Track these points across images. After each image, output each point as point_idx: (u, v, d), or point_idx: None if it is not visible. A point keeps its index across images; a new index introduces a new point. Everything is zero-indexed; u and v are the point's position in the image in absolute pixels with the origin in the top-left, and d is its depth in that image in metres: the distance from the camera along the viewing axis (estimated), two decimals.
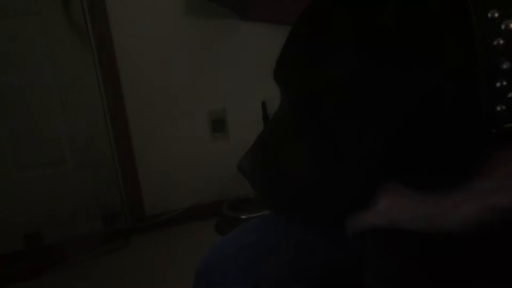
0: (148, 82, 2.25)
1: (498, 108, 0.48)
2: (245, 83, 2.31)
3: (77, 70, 2.16)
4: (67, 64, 2.14)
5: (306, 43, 0.54)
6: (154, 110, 2.28)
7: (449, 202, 0.49)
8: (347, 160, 0.52)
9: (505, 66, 0.47)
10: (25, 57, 2.09)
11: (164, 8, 2.19)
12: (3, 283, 2.00)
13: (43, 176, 2.20)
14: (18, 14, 2.04)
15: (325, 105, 0.51)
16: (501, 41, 0.47)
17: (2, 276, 2.01)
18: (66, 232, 2.22)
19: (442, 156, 0.50)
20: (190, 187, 2.39)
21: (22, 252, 2.17)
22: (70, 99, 2.17)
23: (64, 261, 2.10)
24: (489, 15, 0.47)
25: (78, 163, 2.24)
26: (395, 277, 0.55)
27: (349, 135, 0.51)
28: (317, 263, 0.64)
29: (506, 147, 0.48)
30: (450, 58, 0.47)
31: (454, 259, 0.52)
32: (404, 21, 0.47)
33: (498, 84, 0.48)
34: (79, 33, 2.12)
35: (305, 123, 0.54)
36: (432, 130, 0.49)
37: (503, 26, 0.47)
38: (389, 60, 0.48)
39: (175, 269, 1.98)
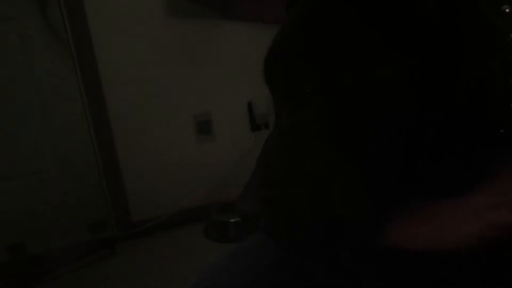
0: (131, 86, 2.21)
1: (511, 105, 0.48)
2: (230, 84, 2.29)
3: (57, 75, 2.11)
4: (47, 70, 2.10)
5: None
6: (137, 114, 2.25)
7: (450, 220, 0.48)
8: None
9: None
10: (2, 63, 2.04)
11: (145, 10, 2.16)
12: None
13: (26, 185, 2.16)
14: None
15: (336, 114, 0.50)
16: None
17: None
18: (51, 242, 2.19)
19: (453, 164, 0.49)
20: (177, 192, 2.36)
21: (6, 264, 2.13)
22: (50, 105, 2.13)
23: (50, 272, 2.06)
24: (502, 10, 0.48)
25: (61, 171, 2.20)
26: None
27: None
28: (313, 285, 0.63)
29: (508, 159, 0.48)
30: (469, 53, 0.47)
31: (453, 276, 0.51)
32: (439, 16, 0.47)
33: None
34: (58, 37, 2.08)
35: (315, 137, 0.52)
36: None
37: None
38: (396, 57, 0.48)
39: (164, 276, 1.97)
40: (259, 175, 0.55)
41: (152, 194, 2.34)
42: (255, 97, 2.26)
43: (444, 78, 0.47)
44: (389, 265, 0.54)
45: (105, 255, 2.18)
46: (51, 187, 2.19)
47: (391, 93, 0.48)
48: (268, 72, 0.56)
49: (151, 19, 2.17)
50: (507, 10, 0.47)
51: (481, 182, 0.47)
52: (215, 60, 2.29)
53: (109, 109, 2.20)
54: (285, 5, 0.61)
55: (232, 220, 2.13)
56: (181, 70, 2.26)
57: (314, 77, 0.51)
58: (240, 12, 2.16)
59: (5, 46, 2.04)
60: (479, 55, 0.47)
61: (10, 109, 2.08)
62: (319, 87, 0.50)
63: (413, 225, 0.50)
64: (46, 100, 2.12)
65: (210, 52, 2.27)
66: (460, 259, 0.49)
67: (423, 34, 0.47)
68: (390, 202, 0.51)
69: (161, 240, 2.26)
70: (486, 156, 0.48)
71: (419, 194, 0.50)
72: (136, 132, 2.27)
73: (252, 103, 2.28)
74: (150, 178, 2.32)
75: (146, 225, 2.30)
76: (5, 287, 2.03)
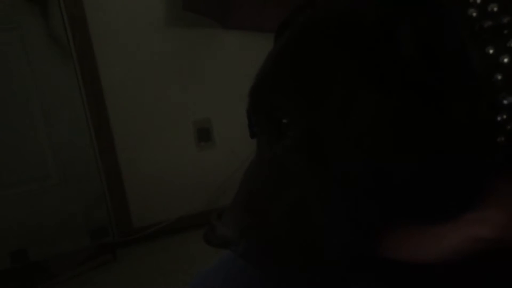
0: (132, 93, 2.23)
1: (498, 140, 0.49)
2: (229, 91, 2.30)
3: (59, 83, 2.13)
4: (49, 78, 2.11)
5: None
6: (138, 121, 2.27)
7: (432, 232, 0.49)
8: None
9: (505, 101, 0.48)
10: (5, 71, 2.06)
11: (145, 19, 2.18)
12: None
13: (28, 192, 2.17)
14: None
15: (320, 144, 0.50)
16: (499, 77, 0.48)
17: None
18: (52, 248, 2.20)
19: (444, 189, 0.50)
20: (177, 198, 2.37)
21: (8, 270, 2.14)
22: (53, 113, 2.14)
23: (51, 278, 2.07)
24: (486, 51, 0.49)
25: (63, 177, 2.21)
26: None
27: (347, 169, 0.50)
28: None
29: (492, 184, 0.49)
30: (455, 98, 0.48)
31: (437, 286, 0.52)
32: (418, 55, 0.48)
33: (499, 118, 0.48)
34: (60, 46, 2.10)
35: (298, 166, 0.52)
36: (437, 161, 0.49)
37: (500, 62, 0.49)
38: (375, 95, 0.49)
39: (165, 282, 1.97)
40: (240, 201, 0.56)
41: (153, 201, 2.35)
42: None
43: (427, 117, 0.48)
44: (374, 275, 0.56)
45: (106, 261, 2.19)
46: (53, 193, 2.21)
47: (371, 128, 0.48)
48: (251, 103, 0.57)
49: (152, 28, 2.19)
50: (491, 51, 0.48)
51: (465, 208, 0.48)
52: (214, 67, 2.31)
53: (110, 116, 2.22)
54: (282, 14, 0.62)
55: None
56: (181, 77, 2.28)
57: (293, 110, 0.52)
58: (239, 22, 2.17)
59: (8, 54, 2.05)
60: (464, 96, 0.48)
61: (12, 116, 2.10)
62: (297, 119, 0.51)
63: (397, 238, 0.51)
64: (48, 108, 2.14)
65: (210, 60, 2.29)
66: (440, 271, 0.50)
67: (402, 75, 0.48)
68: (375, 227, 0.51)
69: (161, 246, 2.28)
70: (473, 184, 0.49)
71: (405, 217, 0.51)
72: (137, 139, 2.29)
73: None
74: (151, 184, 2.34)
75: (147, 231, 2.31)
76: None
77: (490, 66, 0.48)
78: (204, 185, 2.37)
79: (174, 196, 2.37)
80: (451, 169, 0.49)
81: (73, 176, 2.22)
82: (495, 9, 0.49)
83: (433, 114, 0.48)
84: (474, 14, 0.49)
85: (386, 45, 0.49)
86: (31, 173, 2.17)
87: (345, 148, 0.49)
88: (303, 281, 0.57)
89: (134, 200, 2.33)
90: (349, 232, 0.51)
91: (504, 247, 0.46)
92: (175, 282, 1.90)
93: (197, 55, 2.27)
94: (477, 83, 0.48)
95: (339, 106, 0.49)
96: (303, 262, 0.53)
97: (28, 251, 2.18)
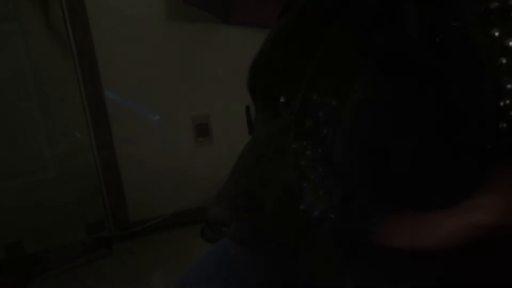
0: (131, 88, 2.23)
1: (500, 126, 0.48)
2: (228, 87, 2.30)
3: (59, 77, 2.12)
4: (48, 71, 2.10)
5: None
6: (137, 116, 2.26)
7: (430, 219, 0.48)
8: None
9: (509, 86, 0.47)
10: (4, 64, 2.05)
11: (145, 14, 2.17)
12: None
13: (24, 185, 2.16)
14: None
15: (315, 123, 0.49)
16: (504, 60, 0.47)
17: None
18: (48, 241, 2.20)
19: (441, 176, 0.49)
20: (175, 193, 2.37)
21: (3, 262, 2.14)
22: (51, 106, 2.14)
23: (46, 270, 2.07)
24: (491, 34, 0.48)
25: (60, 171, 2.21)
26: None
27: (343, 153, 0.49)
28: (298, 279, 0.63)
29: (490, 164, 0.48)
30: (459, 80, 0.47)
31: (434, 276, 0.51)
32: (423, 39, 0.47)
33: (501, 103, 0.48)
34: (59, 40, 2.09)
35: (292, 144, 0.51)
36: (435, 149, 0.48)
37: (505, 45, 0.48)
38: (375, 78, 0.48)
39: (160, 276, 1.97)
40: (233, 182, 0.55)
41: (150, 195, 2.35)
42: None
43: (427, 100, 0.47)
44: (371, 262, 0.55)
45: (102, 255, 2.19)
46: (50, 186, 2.20)
47: (369, 110, 0.48)
48: (250, 80, 0.57)
49: (152, 22, 2.19)
50: (497, 34, 0.47)
51: (465, 194, 0.47)
52: (214, 63, 2.30)
53: (108, 110, 2.22)
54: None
55: None
56: (180, 73, 2.27)
57: (288, 90, 0.51)
58: (240, 17, 2.17)
59: (7, 46, 2.04)
60: (468, 80, 0.47)
61: (10, 109, 2.09)
62: (294, 99, 0.50)
63: (393, 224, 0.50)
64: (47, 101, 2.13)
65: (209, 55, 2.29)
66: (439, 258, 0.49)
67: (404, 56, 0.47)
68: (370, 213, 0.51)
69: (158, 241, 2.28)
70: (473, 170, 0.49)
71: (402, 204, 0.50)
72: (135, 134, 2.28)
73: (250, 107, 2.29)
74: (148, 179, 2.34)
75: (144, 225, 2.31)
76: (2, 285, 2.03)
77: (494, 49, 0.47)
78: (201, 181, 2.37)
79: (171, 191, 2.37)
80: (450, 154, 0.48)
81: (71, 169, 2.22)
82: None
83: (433, 97, 0.47)
84: None
85: (389, 25, 0.48)
86: (28, 166, 2.16)
87: (341, 130, 0.48)
88: (294, 269, 0.56)
89: (131, 195, 2.33)
90: (342, 218, 0.50)
91: (503, 235, 0.46)
92: (170, 277, 1.90)
93: (197, 50, 2.27)
94: (481, 67, 0.47)
95: (337, 86, 0.48)
96: (294, 248, 0.52)
97: (23, 243, 2.18)
